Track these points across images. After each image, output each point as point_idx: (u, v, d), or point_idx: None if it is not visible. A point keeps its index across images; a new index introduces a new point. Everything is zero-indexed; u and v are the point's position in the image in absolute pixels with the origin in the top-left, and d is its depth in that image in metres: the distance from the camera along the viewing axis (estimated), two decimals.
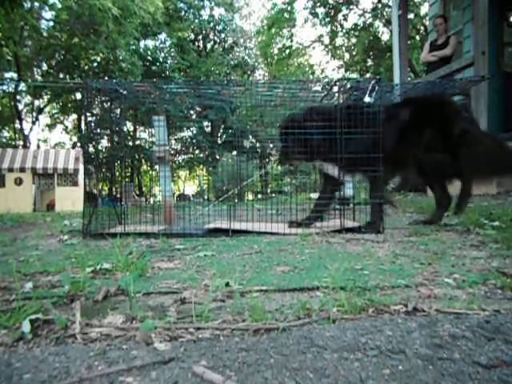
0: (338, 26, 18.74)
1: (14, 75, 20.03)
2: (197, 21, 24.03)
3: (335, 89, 3.42)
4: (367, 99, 3.06)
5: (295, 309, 1.17)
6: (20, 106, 22.79)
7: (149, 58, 21.84)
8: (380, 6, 17.37)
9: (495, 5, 6.09)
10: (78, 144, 22.49)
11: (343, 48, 20.35)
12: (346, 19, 18.38)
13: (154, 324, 1.04)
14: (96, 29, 17.21)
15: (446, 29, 6.64)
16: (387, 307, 1.15)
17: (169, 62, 23.04)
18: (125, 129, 4.62)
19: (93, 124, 3.44)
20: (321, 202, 3.17)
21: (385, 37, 18.61)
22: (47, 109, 24.72)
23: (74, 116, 24.77)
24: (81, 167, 12.54)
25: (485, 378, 0.75)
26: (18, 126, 23.11)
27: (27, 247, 2.59)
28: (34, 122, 23.50)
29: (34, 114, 23.50)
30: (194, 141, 23.39)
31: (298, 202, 4.68)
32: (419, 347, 0.88)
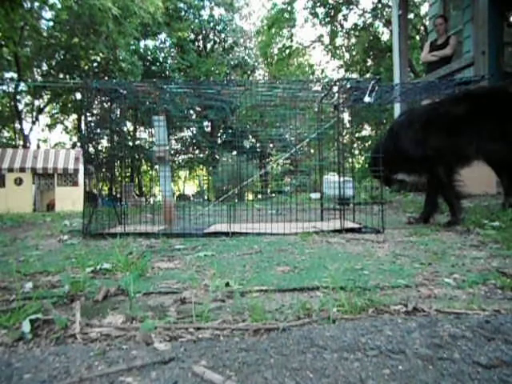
0: (338, 26, 18.74)
1: (14, 75, 20.02)
2: (197, 21, 24.02)
3: (335, 89, 3.42)
4: (367, 99, 3.06)
5: (295, 309, 1.17)
6: (20, 106, 22.80)
7: (149, 58, 21.83)
8: (380, 5, 17.37)
9: (495, 5, 6.09)
10: (78, 144, 22.49)
11: (343, 48, 20.35)
12: (346, 19, 18.39)
13: (154, 324, 1.04)
14: (96, 29, 17.19)
15: (446, 29, 6.64)
16: (387, 307, 1.15)
17: (169, 61, 23.02)
18: (125, 129, 4.62)
19: (93, 124, 3.44)
20: (431, 200, 3.22)
21: (385, 37, 18.63)
22: (47, 109, 24.72)
23: (74, 116, 24.75)
24: (81, 167, 12.54)
25: (485, 378, 0.75)
26: (18, 125, 23.10)
27: (27, 247, 2.59)
28: (34, 122, 23.51)
29: (34, 114, 23.50)
30: (194, 141, 23.39)
31: (298, 202, 4.69)
32: (419, 347, 0.88)
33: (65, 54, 20.38)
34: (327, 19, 18.11)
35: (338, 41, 19.95)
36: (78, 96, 20.42)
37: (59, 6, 16.98)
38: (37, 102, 23.65)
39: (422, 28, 17.70)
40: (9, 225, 4.52)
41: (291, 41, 19.99)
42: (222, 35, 25.34)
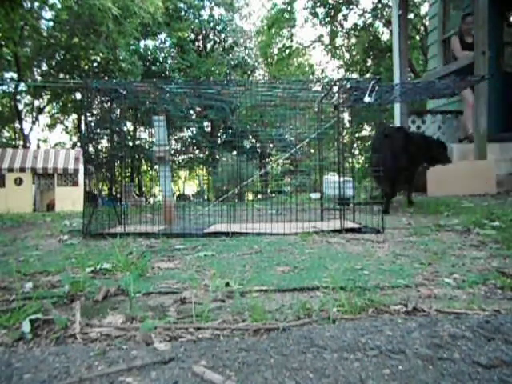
0: (338, 26, 18.75)
1: (14, 75, 20.02)
2: (197, 21, 24.02)
3: (335, 89, 3.42)
4: (367, 99, 3.06)
5: (295, 309, 1.17)
6: (20, 106, 22.76)
7: (149, 58, 21.82)
8: (380, 5, 17.37)
9: (495, 5, 6.09)
10: (78, 144, 22.49)
11: (343, 48, 20.36)
12: (346, 19, 18.39)
13: (154, 324, 1.04)
14: (96, 29, 17.18)
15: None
16: (387, 307, 1.15)
17: (169, 61, 23.02)
18: (125, 129, 4.62)
19: (93, 124, 3.44)
20: None
21: (385, 37, 18.63)
22: (47, 109, 24.71)
23: (74, 116, 24.75)
24: (81, 167, 12.53)
25: (485, 378, 0.75)
26: (18, 125, 23.11)
27: (27, 247, 2.59)
28: (34, 122, 23.51)
29: (34, 114, 23.50)
30: (194, 141, 23.39)
31: (298, 202, 4.69)
32: (419, 347, 0.88)
33: (65, 54, 20.37)
34: (327, 19, 18.11)
35: (338, 41, 19.97)
36: (78, 96, 20.42)
37: (59, 5, 16.98)
38: (37, 102, 23.66)
39: (422, 28, 17.71)
40: (9, 225, 4.52)
41: (291, 41, 20.00)
42: (222, 35, 25.34)
